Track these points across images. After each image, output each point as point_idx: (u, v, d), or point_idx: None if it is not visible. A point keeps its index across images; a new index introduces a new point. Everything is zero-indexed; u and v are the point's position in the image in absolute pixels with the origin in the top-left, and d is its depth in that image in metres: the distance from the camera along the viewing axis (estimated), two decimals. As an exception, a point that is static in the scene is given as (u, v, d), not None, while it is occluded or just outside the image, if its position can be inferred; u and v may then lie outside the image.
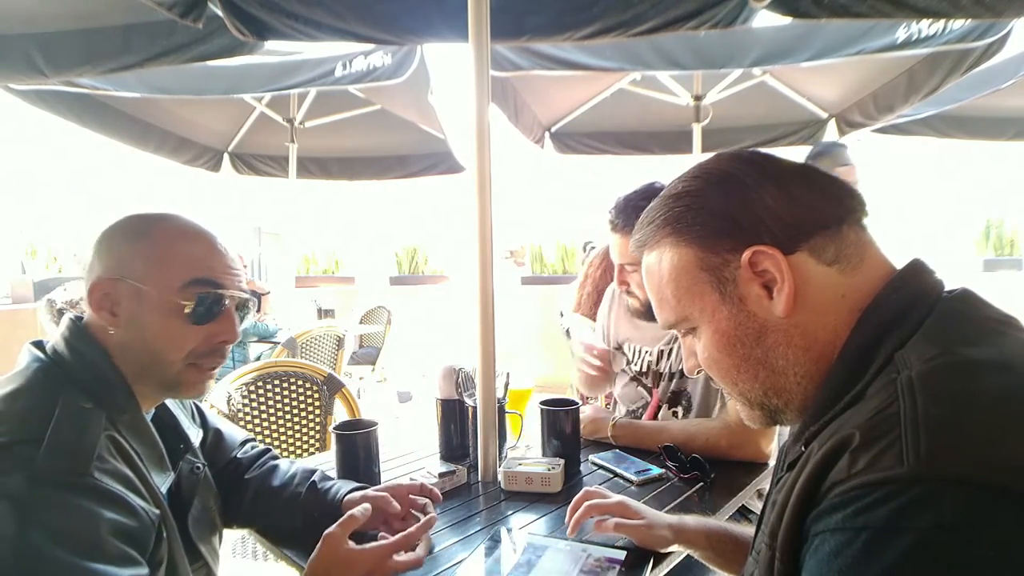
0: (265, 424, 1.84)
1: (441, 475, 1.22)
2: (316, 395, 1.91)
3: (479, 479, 1.30)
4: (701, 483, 1.23)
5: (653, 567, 0.92)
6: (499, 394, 1.34)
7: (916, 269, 0.60)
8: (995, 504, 0.40)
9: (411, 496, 1.02)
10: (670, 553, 0.95)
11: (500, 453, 1.34)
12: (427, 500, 1.02)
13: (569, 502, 1.02)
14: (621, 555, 0.93)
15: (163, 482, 0.83)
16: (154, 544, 0.75)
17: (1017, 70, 2.80)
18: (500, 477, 1.25)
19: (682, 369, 1.51)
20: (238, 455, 1.11)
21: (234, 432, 1.15)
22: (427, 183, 4.98)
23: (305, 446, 1.92)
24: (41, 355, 0.79)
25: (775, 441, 1.36)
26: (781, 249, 0.59)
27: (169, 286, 0.82)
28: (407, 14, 1.74)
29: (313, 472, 1.07)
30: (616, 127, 3.95)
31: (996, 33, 2.13)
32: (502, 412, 1.37)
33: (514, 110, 3.41)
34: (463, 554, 0.96)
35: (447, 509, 1.14)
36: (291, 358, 2.88)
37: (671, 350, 1.55)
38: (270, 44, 1.89)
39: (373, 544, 0.84)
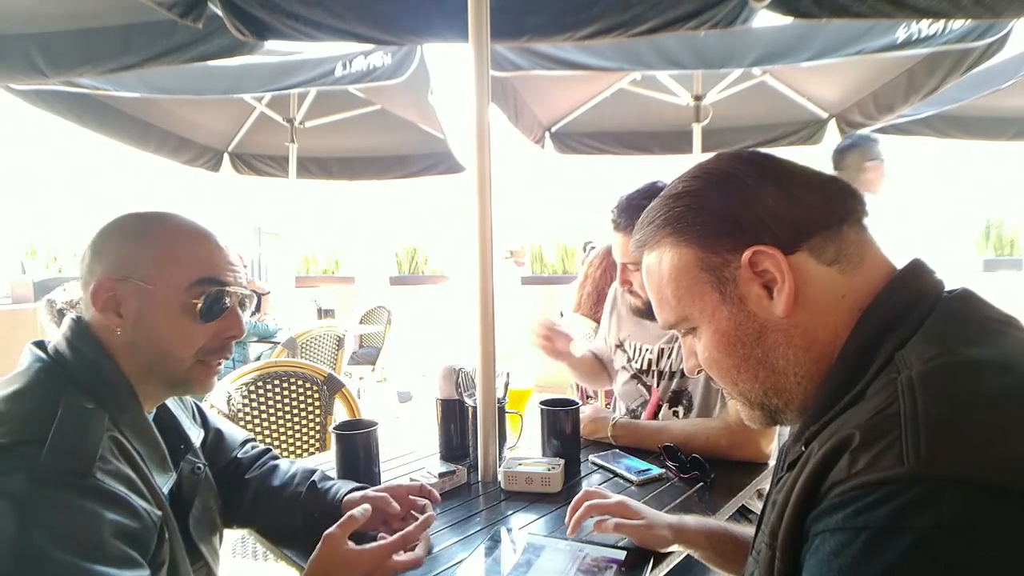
0: (265, 424, 1.84)
1: (441, 475, 1.22)
2: (316, 395, 1.91)
3: (479, 479, 1.30)
4: (701, 483, 1.23)
5: (653, 567, 0.92)
6: (499, 394, 1.34)
7: (916, 269, 0.60)
8: (995, 504, 0.40)
9: (411, 497, 1.02)
10: (670, 553, 0.95)
11: (500, 453, 1.34)
12: (426, 501, 1.03)
13: (569, 502, 1.02)
14: (620, 555, 0.93)
15: (165, 483, 0.83)
16: (156, 545, 0.75)
17: (1017, 70, 2.80)
18: (500, 477, 1.25)
19: (683, 368, 1.51)
20: (238, 455, 1.12)
21: (234, 432, 1.15)
22: (427, 183, 4.98)
23: (305, 446, 1.92)
24: (43, 355, 0.80)
25: (775, 441, 1.36)
26: (781, 249, 0.59)
27: (176, 285, 0.83)
28: (407, 14, 1.74)
29: (313, 472, 1.07)
30: (616, 127, 3.95)
31: (996, 33, 2.13)
32: (502, 412, 1.37)
33: (514, 110, 3.41)
34: (463, 554, 0.96)
35: (447, 509, 1.14)
36: (291, 358, 2.88)
37: (672, 349, 1.55)
38: (270, 44, 1.89)
39: (373, 544, 0.84)
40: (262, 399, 1.83)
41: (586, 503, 0.99)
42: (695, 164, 0.69)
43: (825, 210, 0.61)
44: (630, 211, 1.44)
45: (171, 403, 0.96)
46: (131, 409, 0.81)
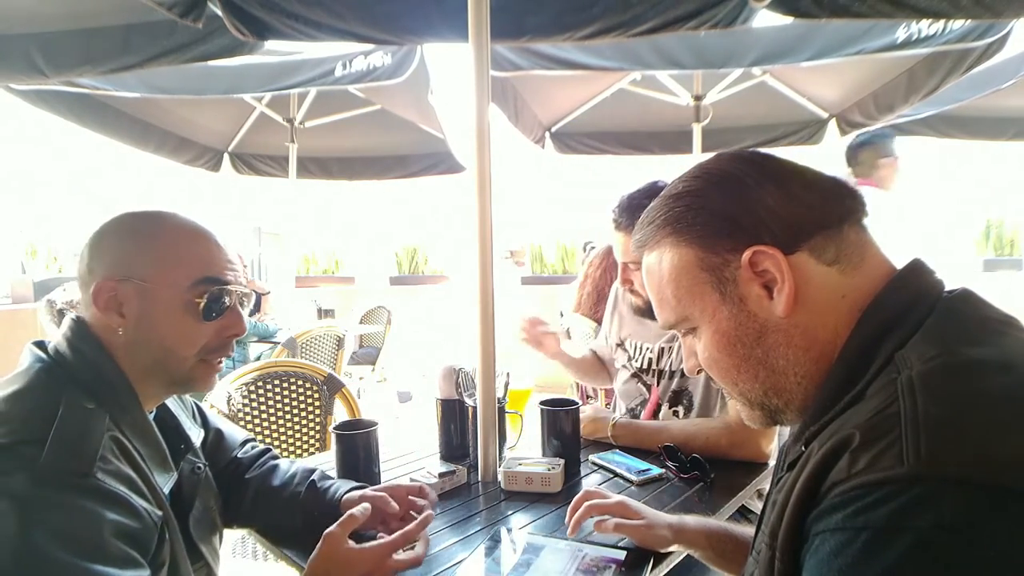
0: (265, 424, 1.84)
1: (441, 475, 1.22)
2: (316, 395, 1.91)
3: (479, 479, 1.30)
4: (701, 483, 1.23)
5: (653, 567, 0.92)
6: (499, 394, 1.34)
7: (916, 269, 0.60)
8: (995, 504, 0.40)
9: (410, 497, 1.02)
10: (670, 553, 0.95)
11: (500, 453, 1.34)
12: (425, 501, 1.03)
13: (569, 502, 1.02)
14: (620, 555, 0.93)
15: (165, 482, 0.83)
16: (156, 545, 0.75)
17: (1017, 70, 2.80)
18: (500, 477, 1.25)
19: (683, 368, 1.51)
20: (238, 455, 1.12)
21: (235, 432, 1.15)
22: (427, 183, 4.98)
23: (305, 446, 1.92)
24: (43, 355, 0.80)
25: (775, 441, 1.36)
26: (781, 249, 0.59)
27: (178, 285, 0.83)
28: (407, 14, 1.74)
29: (313, 471, 1.08)
30: (616, 127, 3.95)
31: (996, 33, 2.13)
32: (502, 412, 1.37)
33: (514, 110, 3.41)
34: (463, 554, 0.96)
35: (447, 509, 1.14)
36: (291, 358, 2.88)
37: (672, 348, 1.55)
38: (270, 44, 1.89)
39: (373, 543, 0.85)
40: (262, 399, 1.83)
41: (586, 503, 0.99)
42: (695, 164, 0.69)
43: (825, 210, 0.61)
44: (631, 210, 1.44)
45: (171, 403, 0.96)
46: (132, 409, 0.81)
